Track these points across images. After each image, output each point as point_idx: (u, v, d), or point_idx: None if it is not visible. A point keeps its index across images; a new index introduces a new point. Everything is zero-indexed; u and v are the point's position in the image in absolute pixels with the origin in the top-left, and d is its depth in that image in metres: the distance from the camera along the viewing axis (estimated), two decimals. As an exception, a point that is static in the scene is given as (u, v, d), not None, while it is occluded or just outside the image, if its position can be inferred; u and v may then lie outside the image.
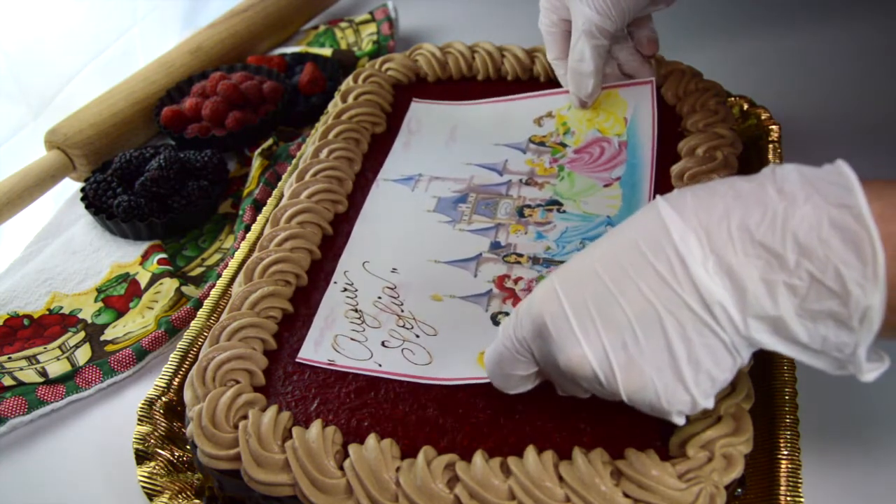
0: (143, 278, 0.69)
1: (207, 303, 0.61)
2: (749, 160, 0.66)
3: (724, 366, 0.38)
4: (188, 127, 0.82)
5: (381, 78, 0.75)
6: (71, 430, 0.58)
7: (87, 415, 0.59)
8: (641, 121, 0.66)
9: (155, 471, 0.50)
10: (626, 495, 0.42)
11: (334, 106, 0.74)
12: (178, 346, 0.58)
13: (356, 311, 0.55)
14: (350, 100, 0.73)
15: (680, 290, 0.37)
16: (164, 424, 0.53)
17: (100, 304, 0.67)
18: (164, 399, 0.54)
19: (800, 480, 0.45)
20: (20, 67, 0.84)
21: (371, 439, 0.45)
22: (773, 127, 0.70)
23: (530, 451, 0.44)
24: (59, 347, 0.63)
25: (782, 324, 0.37)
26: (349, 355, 0.52)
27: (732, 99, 0.74)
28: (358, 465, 0.44)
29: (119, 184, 0.74)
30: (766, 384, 0.49)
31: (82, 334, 0.64)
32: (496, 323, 0.53)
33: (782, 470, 0.45)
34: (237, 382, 0.50)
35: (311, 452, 0.45)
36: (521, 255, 0.58)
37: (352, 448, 0.45)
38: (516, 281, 0.56)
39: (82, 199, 0.75)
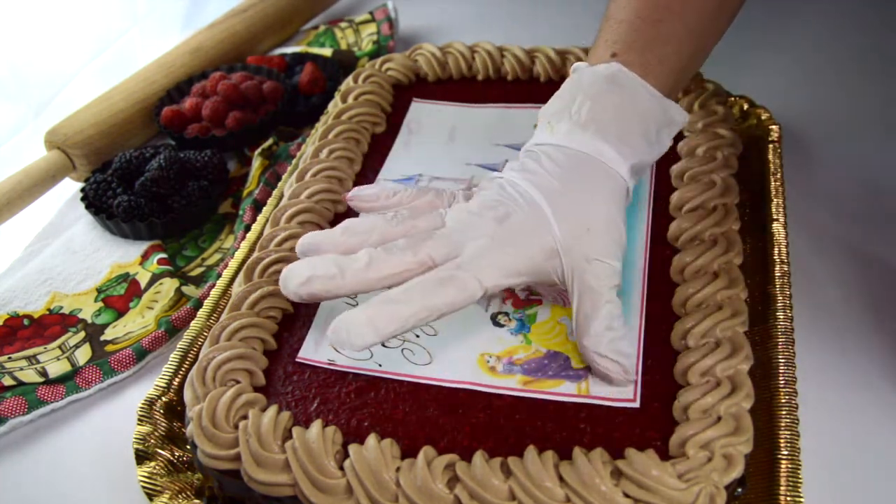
0: (143, 278, 0.69)
1: (207, 303, 0.61)
2: (749, 160, 0.66)
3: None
4: (188, 127, 0.82)
5: (381, 78, 0.75)
6: (71, 430, 0.58)
7: (87, 415, 0.59)
8: None
9: (155, 471, 0.50)
10: (626, 495, 0.42)
11: (334, 106, 0.74)
12: (178, 346, 0.58)
13: (356, 311, 0.55)
14: (350, 100, 0.73)
15: None
16: (164, 424, 0.53)
17: (100, 304, 0.67)
18: (164, 399, 0.54)
19: (800, 480, 0.45)
20: (20, 67, 0.84)
21: (371, 439, 0.45)
22: (773, 127, 0.70)
23: (530, 451, 0.44)
24: (59, 347, 0.63)
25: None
26: (349, 355, 0.52)
27: (732, 99, 0.74)
28: (358, 465, 0.44)
29: (119, 184, 0.74)
30: (766, 384, 0.49)
31: (82, 334, 0.64)
32: (496, 323, 0.53)
33: (782, 470, 0.45)
34: (237, 382, 0.50)
35: (311, 452, 0.45)
36: (521, 255, 0.58)
37: (352, 448, 0.45)
38: (516, 281, 0.56)
39: (82, 199, 0.75)
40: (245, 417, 0.47)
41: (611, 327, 0.48)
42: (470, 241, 0.48)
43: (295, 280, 0.47)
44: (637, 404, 0.47)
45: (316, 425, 0.46)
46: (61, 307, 0.67)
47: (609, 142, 0.51)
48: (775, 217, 0.60)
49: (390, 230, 0.50)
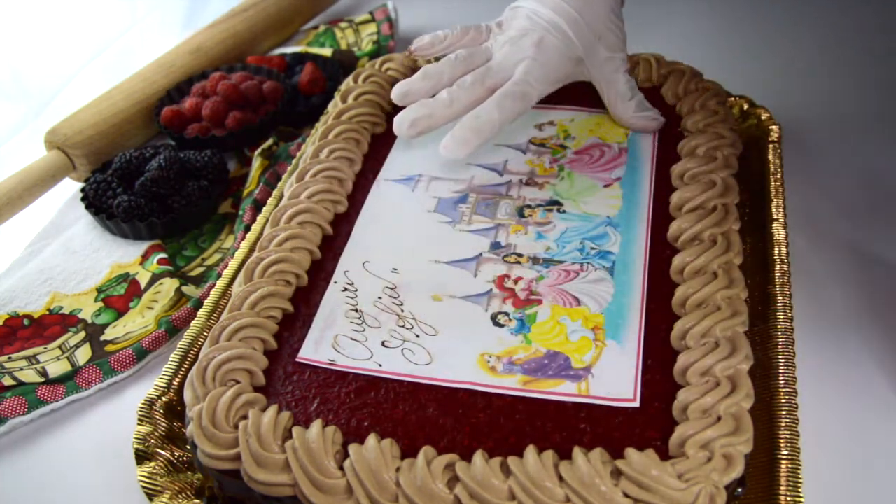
0: (143, 278, 0.69)
1: (207, 303, 0.61)
2: (749, 160, 0.66)
3: None
4: (188, 127, 0.82)
5: (381, 78, 0.75)
6: (71, 430, 0.58)
7: (87, 415, 0.59)
8: (642, 136, 0.67)
9: (155, 471, 0.50)
10: (626, 495, 0.42)
11: (334, 106, 0.74)
12: (178, 346, 0.58)
13: (356, 311, 0.55)
14: (350, 100, 0.72)
15: None
16: (164, 424, 0.53)
17: (100, 304, 0.67)
18: (164, 399, 0.54)
19: (800, 480, 0.45)
20: (20, 67, 0.84)
21: (371, 439, 0.45)
22: (773, 127, 0.70)
23: (530, 451, 0.44)
24: (59, 347, 0.63)
25: None
26: (349, 355, 0.52)
27: (732, 99, 0.74)
28: (358, 465, 0.44)
29: (119, 184, 0.74)
30: (766, 384, 0.49)
31: (82, 334, 0.64)
32: (496, 323, 0.53)
33: (782, 470, 0.45)
34: (237, 382, 0.50)
35: (311, 452, 0.45)
36: (521, 256, 0.58)
37: (352, 448, 0.45)
38: (516, 281, 0.56)
39: (82, 199, 0.75)
40: (245, 417, 0.47)
41: (632, 97, 0.66)
42: (519, 63, 0.64)
43: (405, 125, 0.63)
44: (637, 404, 0.47)
45: (316, 425, 0.46)
46: (61, 307, 0.67)
47: None
48: (775, 217, 0.60)
49: (456, 70, 0.66)
